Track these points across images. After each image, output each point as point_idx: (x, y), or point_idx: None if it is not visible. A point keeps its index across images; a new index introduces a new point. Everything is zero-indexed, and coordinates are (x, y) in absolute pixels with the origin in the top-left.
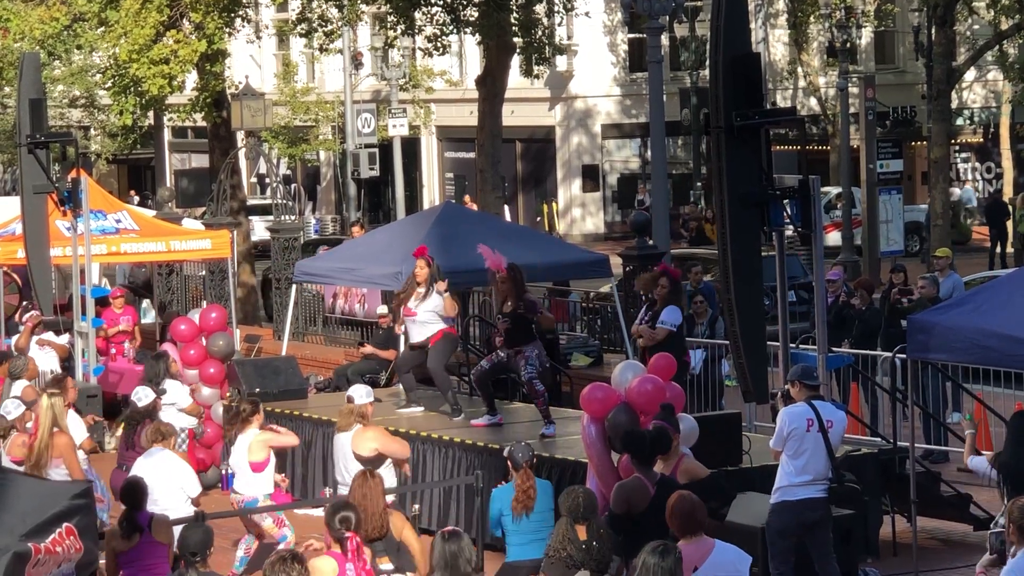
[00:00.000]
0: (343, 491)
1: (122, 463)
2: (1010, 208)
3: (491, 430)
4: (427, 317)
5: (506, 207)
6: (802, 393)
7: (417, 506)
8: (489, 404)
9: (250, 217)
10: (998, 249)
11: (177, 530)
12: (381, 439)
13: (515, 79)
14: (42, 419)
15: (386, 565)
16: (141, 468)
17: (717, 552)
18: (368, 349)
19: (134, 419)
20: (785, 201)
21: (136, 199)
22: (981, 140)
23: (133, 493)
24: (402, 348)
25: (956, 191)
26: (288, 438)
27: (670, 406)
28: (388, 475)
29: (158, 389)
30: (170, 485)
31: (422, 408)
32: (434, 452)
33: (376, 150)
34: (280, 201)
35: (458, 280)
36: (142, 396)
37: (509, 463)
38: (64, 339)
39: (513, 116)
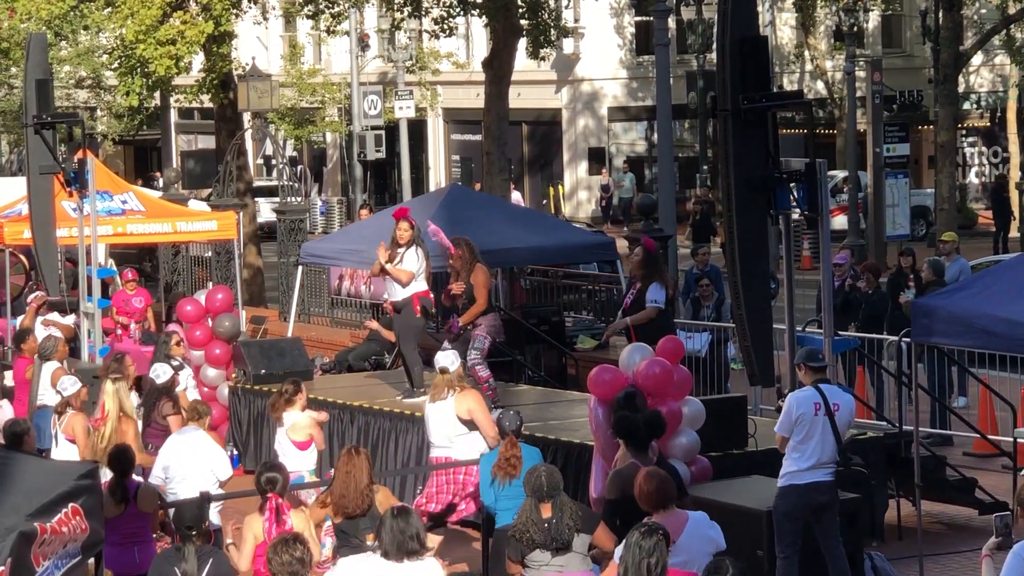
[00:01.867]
0: (437, 453)
1: (146, 442)
2: (1016, 193)
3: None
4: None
5: (517, 192)
6: (808, 376)
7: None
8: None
9: (256, 199)
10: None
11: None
12: (478, 406)
13: (521, 61)
14: (108, 405)
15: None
16: (173, 445)
17: (692, 523)
18: (374, 324)
19: (152, 396)
20: (792, 185)
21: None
22: (988, 124)
23: (122, 460)
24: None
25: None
26: (322, 415)
27: (632, 394)
28: (477, 440)
29: (176, 365)
30: (201, 466)
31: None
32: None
33: (382, 132)
34: (286, 183)
35: None
36: (160, 373)
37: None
38: (70, 319)
39: (519, 98)
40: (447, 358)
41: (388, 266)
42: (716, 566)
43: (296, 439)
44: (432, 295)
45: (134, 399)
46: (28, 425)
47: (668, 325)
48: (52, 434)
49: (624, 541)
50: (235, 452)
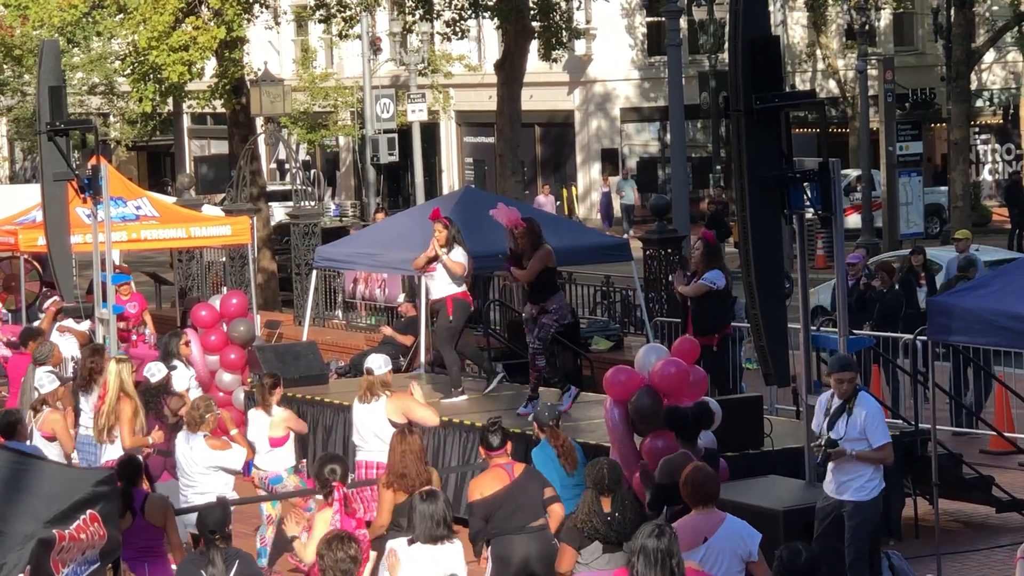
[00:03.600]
0: (361, 456)
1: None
2: None
3: (513, 415)
4: (443, 275)
5: (549, 196)
6: (837, 385)
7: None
8: (561, 384)
9: (270, 203)
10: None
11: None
12: (412, 407)
13: (534, 63)
14: (110, 384)
15: None
16: (178, 454)
17: (728, 524)
18: (388, 331)
19: (150, 396)
20: (805, 184)
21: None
22: (1001, 121)
23: (127, 469)
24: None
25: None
26: (301, 424)
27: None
28: None
29: (170, 364)
30: (206, 473)
31: (501, 372)
32: (453, 437)
33: (395, 135)
34: (299, 187)
35: (478, 265)
36: (155, 372)
37: (535, 426)
38: (86, 325)
39: (532, 100)
40: (375, 361)
41: (444, 257)
42: (793, 551)
43: (273, 435)
44: (471, 296)
45: None
46: (20, 415)
47: (725, 311)
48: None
49: (633, 544)
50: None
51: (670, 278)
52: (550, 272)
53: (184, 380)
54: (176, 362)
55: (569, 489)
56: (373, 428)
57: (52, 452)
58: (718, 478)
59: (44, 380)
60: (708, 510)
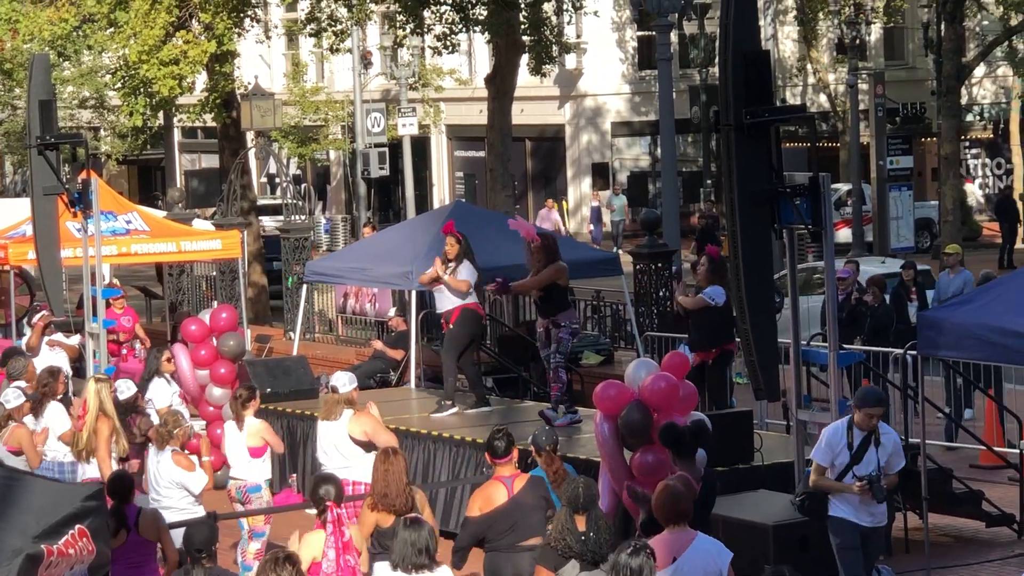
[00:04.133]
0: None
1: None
2: (1019, 204)
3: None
4: (451, 288)
5: (552, 209)
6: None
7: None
8: (569, 405)
9: (260, 217)
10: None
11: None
12: (374, 426)
13: (524, 77)
14: (90, 403)
15: None
16: (150, 464)
17: (698, 543)
18: (378, 345)
19: (119, 413)
20: (795, 198)
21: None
22: (991, 136)
23: (120, 486)
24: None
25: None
26: (276, 440)
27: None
28: (362, 468)
29: (149, 379)
30: (171, 489)
31: (488, 406)
32: (443, 451)
33: (386, 149)
34: (290, 201)
35: None
36: (123, 389)
37: (532, 449)
38: (75, 340)
39: (523, 114)
40: (340, 379)
41: (446, 276)
42: (778, 574)
43: (252, 444)
44: (483, 309)
45: None
46: None
47: (725, 327)
48: None
49: (612, 561)
50: None
51: (674, 286)
52: (561, 289)
53: (167, 396)
54: (157, 379)
55: None
56: (336, 445)
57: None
58: (690, 497)
59: (10, 396)
60: (679, 528)
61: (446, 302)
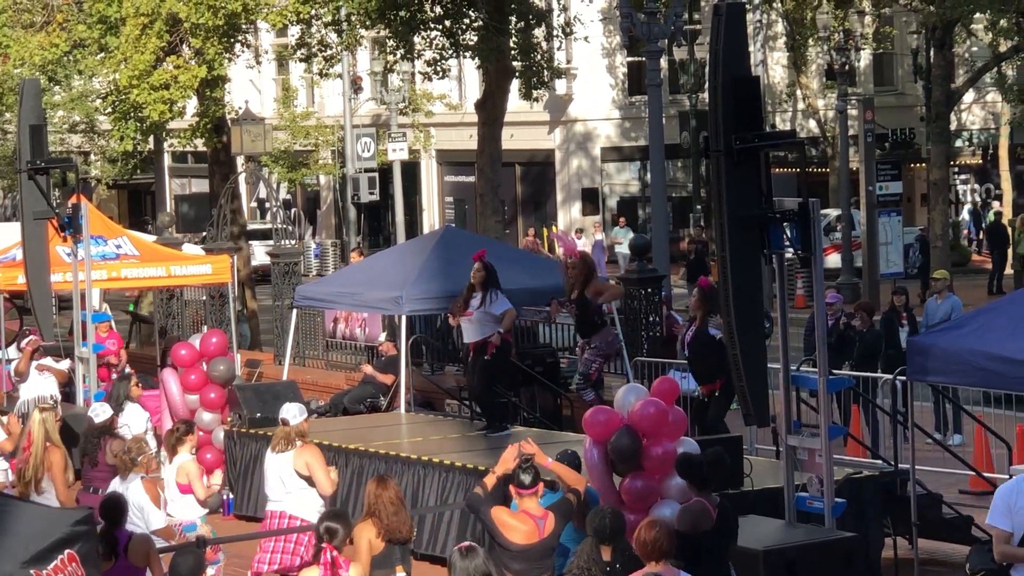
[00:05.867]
0: (276, 507)
1: (88, 484)
2: (1008, 230)
3: (490, 453)
4: (481, 318)
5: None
6: None
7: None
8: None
9: (250, 242)
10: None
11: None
12: (316, 464)
13: (514, 103)
14: (35, 434)
15: (401, 575)
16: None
17: None
18: (368, 369)
19: (91, 436)
20: (785, 224)
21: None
22: (980, 162)
23: (112, 510)
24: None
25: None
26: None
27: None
28: (313, 496)
29: (117, 407)
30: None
31: (508, 430)
32: (432, 476)
33: (376, 174)
34: (280, 226)
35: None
36: (99, 412)
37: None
38: (65, 364)
39: (512, 140)
40: (290, 411)
41: (477, 309)
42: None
43: (180, 482)
44: (511, 336)
45: None
46: None
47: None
48: None
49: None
50: (230, 496)
51: (663, 311)
52: (598, 311)
53: (141, 422)
54: (129, 405)
55: (577, 543)
56: (281, 476)
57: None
58: (674, 535)
59: None
60: (662, 566)
61: (477, 331)
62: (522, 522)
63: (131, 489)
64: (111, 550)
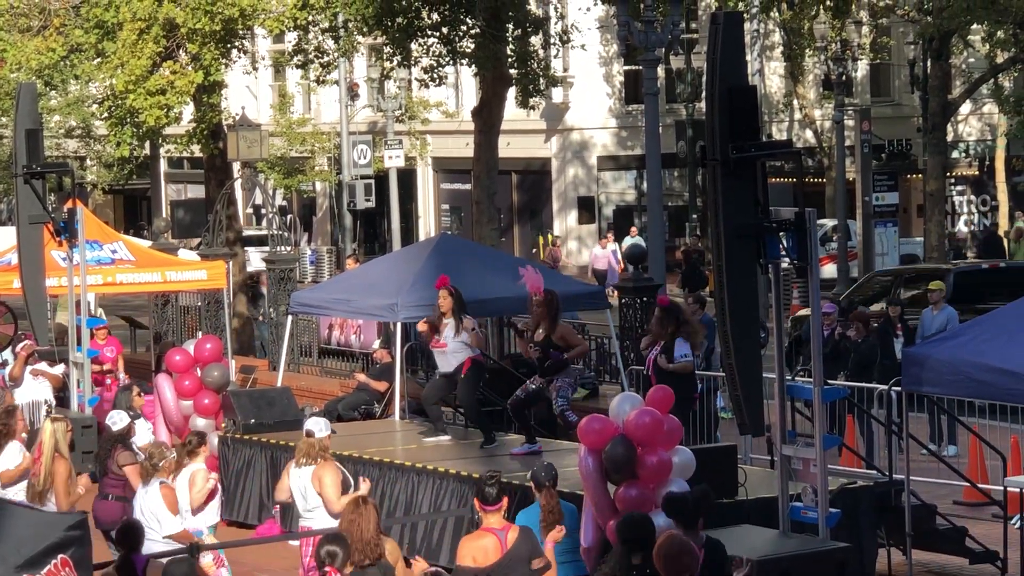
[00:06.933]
0: (305, 523)
1: (103, 491)
2: (1004, 241)
3: (483, 460)
4: (456, 347)
5: (609, 243)
6: None
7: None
8: (527, 433)
9: (246, 248)
10: None
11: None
12: (328, 483)
13: (511, 111)
14: (45, 444)
15: None
16: (136, 502)
17: None
18: (361, 377)
19: (106, 444)
20: (781, 234)
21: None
22: (977, 173)
23: (130, 536)
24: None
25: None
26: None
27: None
28: (324, 517)
29: (132, 414)
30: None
31: (448, 436)
32: (426, 483)
33: (372, 181)
34: (276, 232)
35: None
36: (116, 420)
37: (532, 484)
38: (59, 369)
39: (509, 148)
40: (316, 424)
41: (450, 340)
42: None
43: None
44: (484, 357)
45: None
46: None
47: (690, 379)
48: None
49: None
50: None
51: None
52: (561, 349)
53: (146, 433)
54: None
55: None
56: (303, 492)
57: None
58: (695, 552)
59: None
60: None
61: (453, 360)
62: (481, 538)
63: (149, 494)
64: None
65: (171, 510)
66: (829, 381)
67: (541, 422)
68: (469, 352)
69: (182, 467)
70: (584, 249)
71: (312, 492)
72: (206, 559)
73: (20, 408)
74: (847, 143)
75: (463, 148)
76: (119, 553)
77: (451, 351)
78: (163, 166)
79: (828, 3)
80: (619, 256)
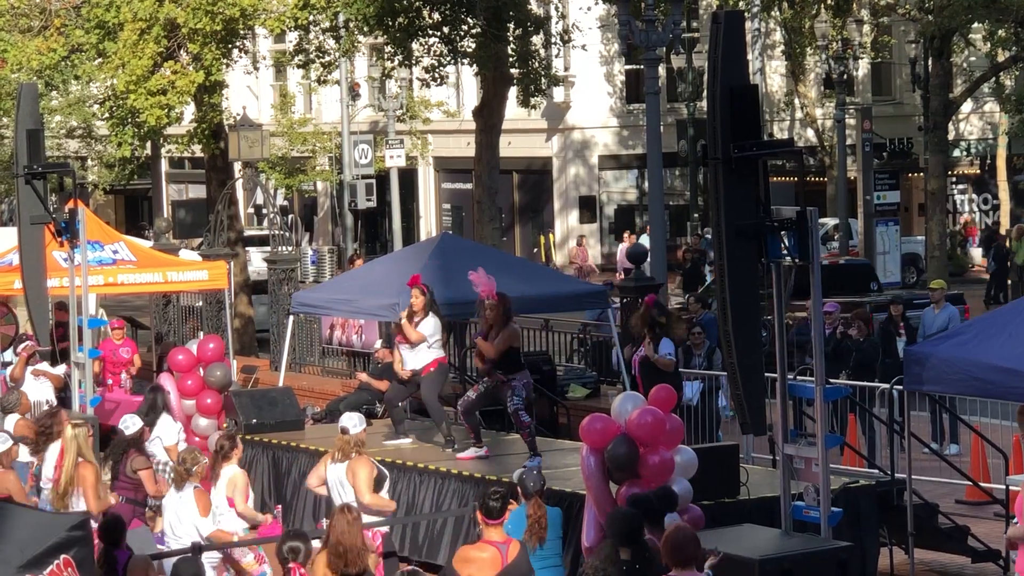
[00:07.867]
0: None
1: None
2: (1007, 241)
3: (484, 461)
4: (424, 347)
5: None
6: None
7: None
8: (476, 436)
9: (247, 248)
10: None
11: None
12: (360, 476)
13: (512, 110)
14: (67, 450)
15: None
16: (165, 508)
17: None
18: (363, 377)
19: (119, 448)
20: (783, 233)
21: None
22: (978, 172)
23: (112, 530)
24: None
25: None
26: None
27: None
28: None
29: (147, 420)
30: (189, 528)
31: (410, 439)
32: (428, 483)
33: (373, 181)
34: (277, 232)
35: (456, 311)
36: (129, 424)
37: (519, 490)
38: (60, 369)
39: (510, 147)
40: (351, 420)
41: (403, 322)
42: None
43: (228, 494)
44: (447, 359)
45: None
46: None
47: (675, 377)
48: None
49: None
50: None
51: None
52: (516, 351)
53: (173, 434)
54: (164, 416)
55: (537, 561)
56: (339, 489)
57: None
58: (698, 541)
59: None
60: (688, 572)
61: (418, 359)
62: (482, 550)
63: (183, 499)
64: (111, 571)
65: (203, 513)
66: (831, 380)
67: (541, 422)
68: (434, 353)
69: (217, 472)
70: (586, 248)
71: (348, 487)
72: (247, 558)
73: (63, 411)
74: (848, 142)
75: (464, 148)
76: (101, 547)
77: (419, 350)
78: (164, 166)
79: (829, 2)
80: (552, 254)
